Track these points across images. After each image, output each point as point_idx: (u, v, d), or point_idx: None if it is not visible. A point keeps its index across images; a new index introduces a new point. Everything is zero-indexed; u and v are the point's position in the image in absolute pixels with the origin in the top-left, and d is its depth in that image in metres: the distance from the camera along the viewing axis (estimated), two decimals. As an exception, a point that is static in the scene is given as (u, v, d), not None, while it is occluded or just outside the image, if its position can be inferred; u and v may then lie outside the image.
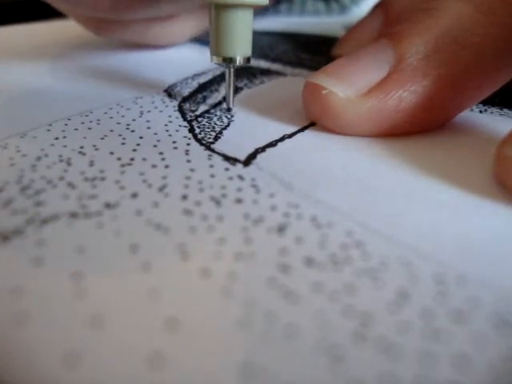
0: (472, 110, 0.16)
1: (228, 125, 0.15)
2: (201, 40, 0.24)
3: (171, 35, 0.22)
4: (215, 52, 0.15)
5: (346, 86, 0.14)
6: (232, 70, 0.15)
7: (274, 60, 0.22)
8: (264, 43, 0.24)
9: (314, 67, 0.20)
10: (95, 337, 0.07)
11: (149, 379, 0.07)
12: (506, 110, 0.16)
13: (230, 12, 0.14)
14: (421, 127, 0.14)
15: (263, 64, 0.21)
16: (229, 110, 0.16)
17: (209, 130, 0.14)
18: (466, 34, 0.13)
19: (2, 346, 0.07)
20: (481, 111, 0.16)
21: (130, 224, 0.10)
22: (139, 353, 0.07)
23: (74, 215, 0.10)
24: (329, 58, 0.20)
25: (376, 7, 0.21)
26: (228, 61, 0.15)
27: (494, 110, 0.16)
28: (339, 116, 0.14)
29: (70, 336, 0.07)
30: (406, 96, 0.13)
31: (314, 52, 0.23)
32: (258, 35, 0.26)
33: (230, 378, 0.07)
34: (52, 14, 0.24)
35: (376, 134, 0.14)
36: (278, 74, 0.20)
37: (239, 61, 0.15)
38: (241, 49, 0.15)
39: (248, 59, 0.15)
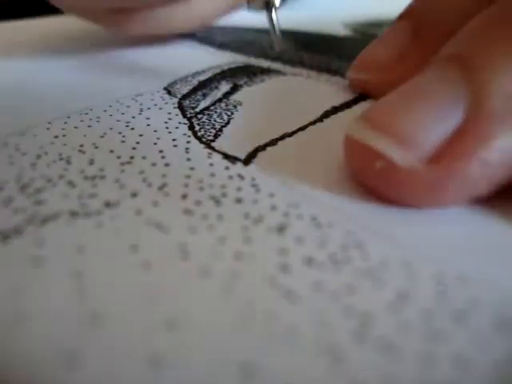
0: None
1: (228, 122, 0.15)
2: (200, 38, 0.24)
3: (187, 20, 0.21)
4: None
5: (406, 148, 0.10)
6: (273, 12, 0.16)
7: (274, 59, 0.21)
8: (264, 42, 0.24)
9: (314, 66, 0.20)
10: (95, 337, 0.07)
11: (149, 379, 0.07)
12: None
13: None
14: None
15: (263, 63, 0.21)
16: (275, 51, 0.17)
17: (209, 127, 0.14)
18: None
19: (1, 346, 0.07)
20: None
21: (130, 223, 0.10)
22: (139, 353, 0.07)
23: (73, 214, 0.10)
24: (329, 58, 0.20)
25: (400, 18, 0.16)
26: (266, 3, 0.16)
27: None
28: (403, 191, 0.10)
29: (70, 336, 0.07)
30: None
31: (315, 51, 0.23)
32: (258, 34, 0.26)
33: (230, 378, 0.07)
34: (49, 11, 0.24)
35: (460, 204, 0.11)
36: (278, 72, 0.20)
37: (277, 2, 0.16)
38: None
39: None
